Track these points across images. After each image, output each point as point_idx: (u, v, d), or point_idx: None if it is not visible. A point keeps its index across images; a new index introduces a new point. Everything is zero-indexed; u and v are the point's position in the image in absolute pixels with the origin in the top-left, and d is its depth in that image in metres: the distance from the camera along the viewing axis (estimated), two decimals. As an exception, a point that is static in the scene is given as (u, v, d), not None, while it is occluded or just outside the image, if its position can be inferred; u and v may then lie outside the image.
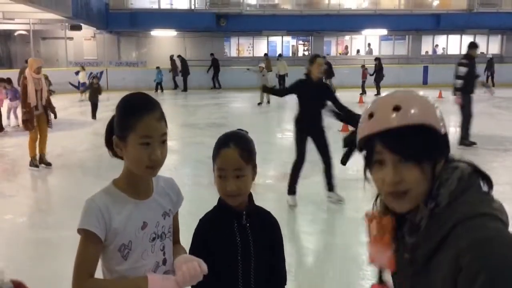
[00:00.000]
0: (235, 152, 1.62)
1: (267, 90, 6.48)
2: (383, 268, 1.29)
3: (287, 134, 11.99)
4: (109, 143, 1.59)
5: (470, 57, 9.06)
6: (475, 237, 1.02)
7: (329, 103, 5.52)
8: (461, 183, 1.11)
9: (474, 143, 8.91)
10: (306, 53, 27.48)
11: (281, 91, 6.02)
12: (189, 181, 7.26)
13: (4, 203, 6.23)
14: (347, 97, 11.36)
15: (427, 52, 27.44)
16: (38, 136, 7.65)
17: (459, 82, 8.90)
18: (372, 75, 19.80)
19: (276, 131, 12.28)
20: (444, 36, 27.40)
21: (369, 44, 27.17)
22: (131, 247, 1.54)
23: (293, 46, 28.07)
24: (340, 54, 27.58)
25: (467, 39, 26.75)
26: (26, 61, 9.63)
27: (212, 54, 23.84)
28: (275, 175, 7.34)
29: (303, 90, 5.69)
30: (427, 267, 1.11)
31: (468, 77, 8.85)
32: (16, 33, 24.90)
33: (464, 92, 8.86)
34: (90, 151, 9.15)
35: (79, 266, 1.49)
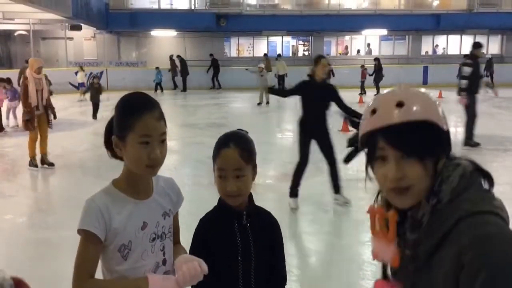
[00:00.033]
0: (235, 152, 1.61)
1: (272, 91, 6.39)
2: (387, 264, 1.29)
3: (287, 134, 12.00)
4: (108, 144, 1.59)
5: (474, 57, 8.96)
6: (477, 234, 1.02)
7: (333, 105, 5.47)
8: (462, 180, 1.12)
9: (478, 144, 8.84)
10: (306, 53, 27.50)
11: (285, 92, 5.96)
12: (189, 181, 7.26)
13: (4, 203, 6.23)
14: (347, 97, 11.30)
15: (427, 52, 27.44)
16: (39, 137, 7.66)
17: (464, 82, 8.79)
18: (371, 75, 19.81)
19: (276, 131, 12.28)
20: (444, 36, 27.41)
21: (368, 44, 27.18)
22: (131, 247, 1.54)
23: (293, 46, 28.07)
24: (340, 54, 27.58)
25: (467, 39, 26.84)
26: (26, 61, 9.64)
27: (211, 55, 23.84)
28: (275, 175, 7.34)
29: (306, 92, 5.63)
30: (429, 263, 1.11)
31: (473, 77, 8.75)
32: (16, 33, 24.90)
33: (469, 92, 8.76)
34: (90, 151, 9.15)
35: (79, 266, 1.49)
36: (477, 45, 9.09)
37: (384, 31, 25.77)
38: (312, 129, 5.59)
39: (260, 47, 27.02)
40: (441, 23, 24.86)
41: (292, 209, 5.55)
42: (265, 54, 24.19)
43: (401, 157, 1.11)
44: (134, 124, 1.48)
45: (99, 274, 1.53)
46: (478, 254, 1.00)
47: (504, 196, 1.14)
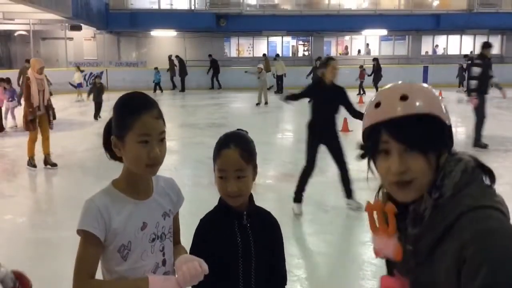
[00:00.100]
0: (235, 152, 1.61)
1: (286, 98, 6.04)
2: (391, 259, 1.28)
3: (287, 134, 12.01)
4: (107, 145, 1.59)
5: (484, 57, 8.84)
6: (478, 229, 1.03)
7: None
8: (464, 175, 1.13)
9: (487, 145, 8.77)
10: (306, 53, 27.52)
11: (296, 96, 5.79)
12: (189, 181, 7.26)
13: (4, 203, 6.23)
14: (347, 97, 11.31)
15: (427, 52, 27.45)
16: (40, 137, 7.66)
17: (474, 82, 8.68)
18: (370, 75, 19.79)
19: (276, 131, 12.27)
20: (444, 36, 27.42)
21: (367, 45, 27.18)
22: (130, 248, 1.53)
23: (293, 46, 28.08)
24: (340, 54, 27.58)
25: (467, 39, 26.88)
26: (27, 61, 9.64)
27: (210, 55, 23.82)
28: (275, 175, 7.34)
29: (316, 94, 5.56)
30: (431, 257, 1.12)
31: (482, 77, 8.63)
32: (16, 34, 24.92)
33: (478, 92, 8.64)
34: (90, 151, 9.15)
35: (79, 267, 1.48)
36: (486, 45, 8.97)
37: (384, 31, 25.78)
38: (321, 132, 5.47)
39: (260, 47, 27.03)
40: (441, 23, 24.87)
41: (296, 215, 5.42)
42: (264, 55, 24.19)
43: (405, 150, 1.12)
44: (133, 124, 1.47)
45: (99, 275, 1.53)
46: (479, 248, 1.01)
47: (504, 196, 1.14)
